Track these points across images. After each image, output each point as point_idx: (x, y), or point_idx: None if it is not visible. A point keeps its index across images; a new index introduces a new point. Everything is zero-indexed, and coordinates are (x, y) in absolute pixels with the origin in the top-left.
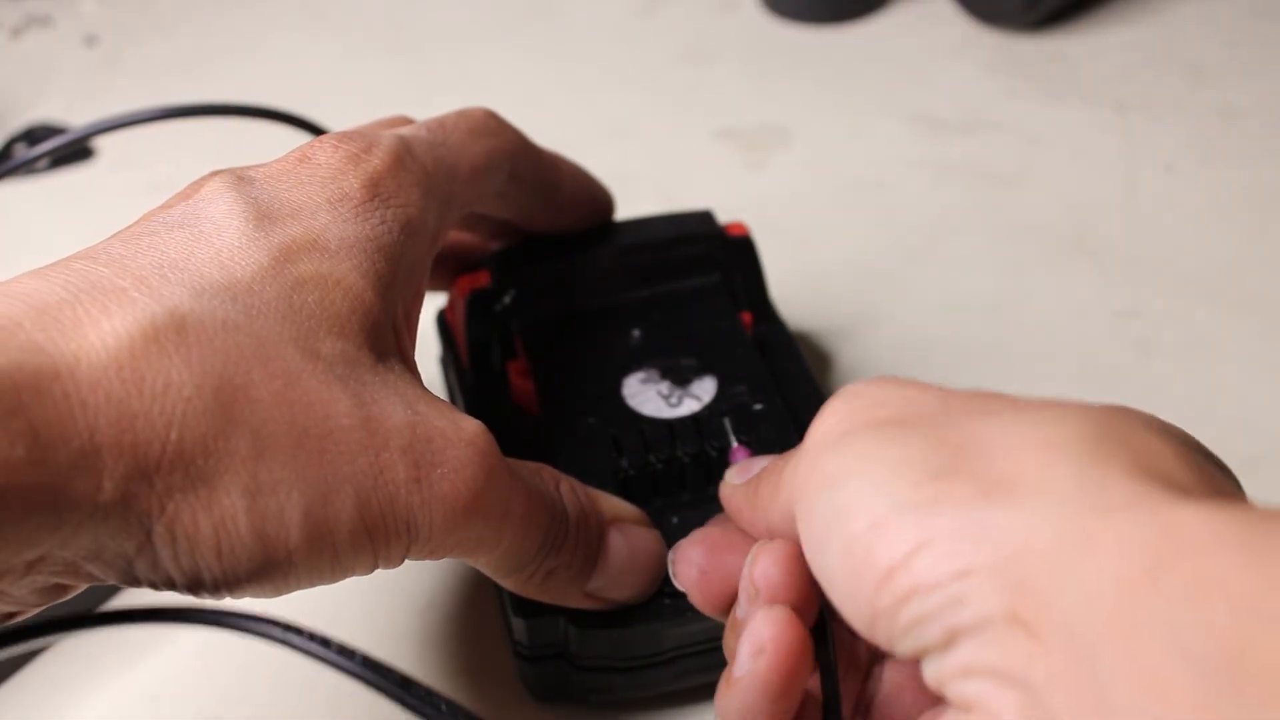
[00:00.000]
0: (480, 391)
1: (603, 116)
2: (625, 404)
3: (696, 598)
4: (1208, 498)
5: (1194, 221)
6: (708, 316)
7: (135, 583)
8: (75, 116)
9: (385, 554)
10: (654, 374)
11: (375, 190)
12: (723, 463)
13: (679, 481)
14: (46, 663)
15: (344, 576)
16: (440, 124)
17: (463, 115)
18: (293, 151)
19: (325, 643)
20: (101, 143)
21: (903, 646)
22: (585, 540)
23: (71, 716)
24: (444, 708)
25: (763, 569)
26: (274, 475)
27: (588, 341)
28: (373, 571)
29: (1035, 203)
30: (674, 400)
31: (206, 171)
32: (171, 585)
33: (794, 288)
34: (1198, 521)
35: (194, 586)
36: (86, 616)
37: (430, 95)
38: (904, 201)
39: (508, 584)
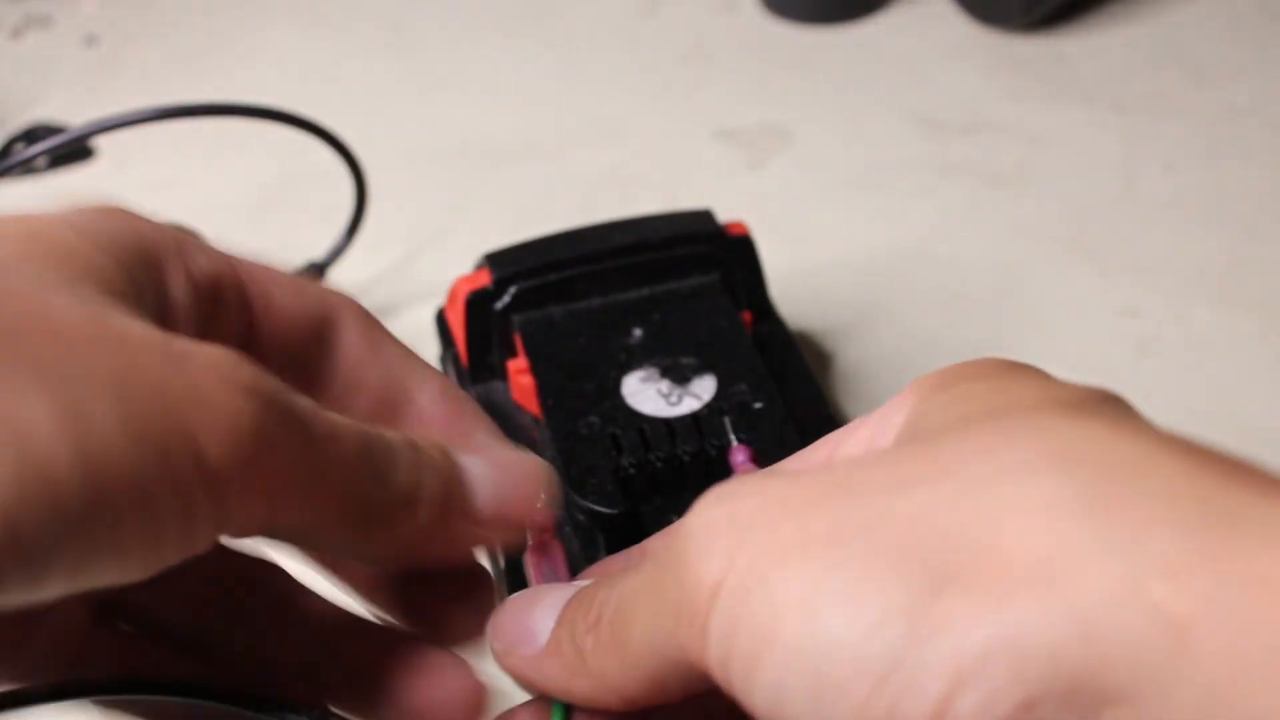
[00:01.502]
0: (480, 391)
1: (603, 116)
2: (625, 403)
3: None
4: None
5: (1194, 221)
6: (708, 316)
7: None
8: (75, 116)
9: (164, 514)
10: (654, 373)
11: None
12: (723, 461)
13: (679, 480)
14: None
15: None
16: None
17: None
18: None
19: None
20: (101, 142)
21: None
22: (426, 464)
23: (71, 717)
24: None
25: None
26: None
27: (588, 341)
28: (178, 550)
29: (1035, 203)
30: (674, 399)
31: (205, 172)
32: None
33: (794, 287)
34: None
35: None
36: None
37: (430, 95)
38: (904, 201)
39: (364, 559)
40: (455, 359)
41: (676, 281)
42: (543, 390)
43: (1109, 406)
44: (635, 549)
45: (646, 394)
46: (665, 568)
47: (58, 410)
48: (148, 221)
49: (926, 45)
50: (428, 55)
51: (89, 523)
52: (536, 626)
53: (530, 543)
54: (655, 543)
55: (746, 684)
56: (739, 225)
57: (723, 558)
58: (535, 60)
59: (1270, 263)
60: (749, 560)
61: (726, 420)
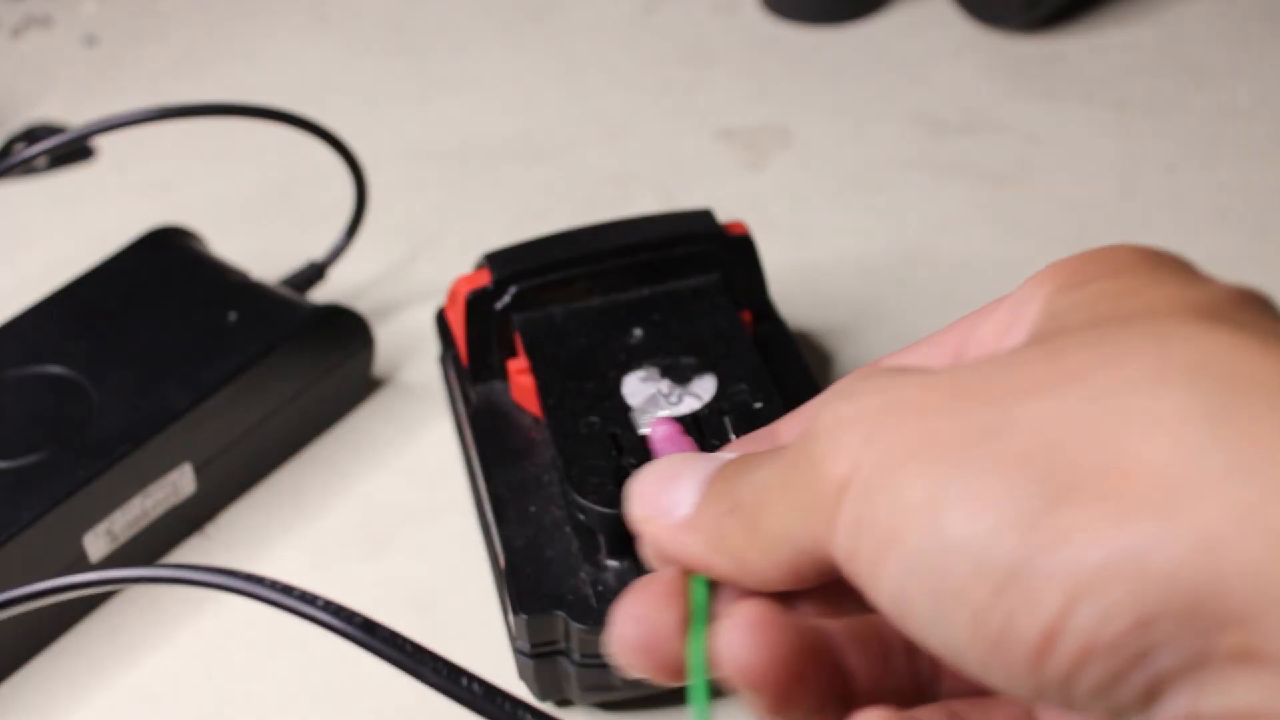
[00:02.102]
0: (480, 391)
1: (603, 116)
2: (625, 402)
3: (644, 665)
4: None
5: (1194, 221)
6: (708, 315)
7: None
8: (75, 116)
9: None
10: (654, 373)
11: None
12: None
13: None
14: (46, 662)
15: None
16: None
17: None
18: None
19: (313, 600)
20: (101, 142)
21: (1090, 711)
22: None
23: (72, 716)
24: (409, 648)
25: (738, 646)
26: None
27: (588, 341)
28: None
29: (1035, 203)
30: (674, 399)
31: (205, 172)
32: None
33: (794, 287)
34: None
35: None
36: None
37: (430, 95)
38: (904, 201)
39: None
40: (455, 359)
41: (676, 281)
42: (543, 390)
43: (1250, 311)
44: (767, 430)
45: (647, 393)
46: (795, 463)
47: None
48: None
49: (926, 45)
50: (428, 55)
51: None
52: (679, 497)
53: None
54: (787, 427)
55: (872, 582)
56: (739, 225)
57: (850, 456)
58: (535, 60)
59: (1270, 263)
60: (875, 460)
61: (726, 420)
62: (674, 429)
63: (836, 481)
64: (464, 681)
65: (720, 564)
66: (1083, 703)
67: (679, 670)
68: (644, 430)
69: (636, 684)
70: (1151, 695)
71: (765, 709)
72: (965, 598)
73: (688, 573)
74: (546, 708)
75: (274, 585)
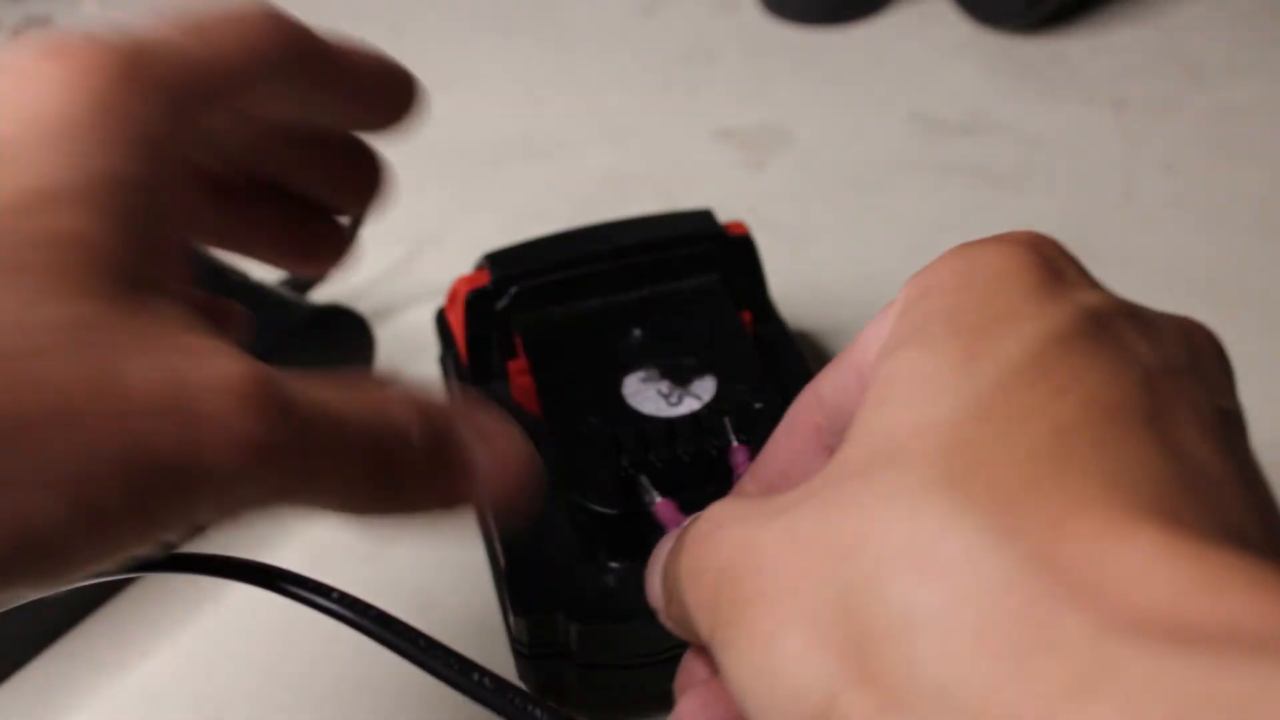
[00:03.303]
0: (480, 391)
1: (603, 116)
2: (625, 403)
3: None
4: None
5: (1194, 221)
6: (708, 316)
7: None
8: None
9: (168, 524)
10: (654, 373)
11: (106, 112)
12: (723, 461)
13: (679, 481)
14: (47, 662)
15: (133, 554)
16: (199, 27)
17: (229, 17)
18: None
19: (326, 591)
20: None
21: None
22: (440, 453)
23: (72, 716)
24: (422, 643)
25: None
26: (10, 469)
27: (588, 341)
28: (167, 542)
29: (1035, 203)
30: (674, 399)
31: None
32: None
33: (794, 288)
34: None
35: None
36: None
37: (430, 95)
38: (904, 201)
39: (372, 520)
40: (455, 359)
41: (676, 282)
42: (543, 390)
43: (1081, 348)
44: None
45: (646, 394)
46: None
47: (67, 507)
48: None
49: (926, 45)
50: (428, 55)
51: (83, 569)
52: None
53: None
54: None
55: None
56: (739, 225)
57: (710, 606)
58: (535, 60)
59: (1270, 263)
60: (729, 606)
61: (726, 420)
62: (674, 516)
63: (704, 630)
64: (475, 676)
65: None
66: None
67: None
68: (651, 506)
69: (636, 685)
70: None
71: None
72: None
73: None
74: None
75: (286, 575)
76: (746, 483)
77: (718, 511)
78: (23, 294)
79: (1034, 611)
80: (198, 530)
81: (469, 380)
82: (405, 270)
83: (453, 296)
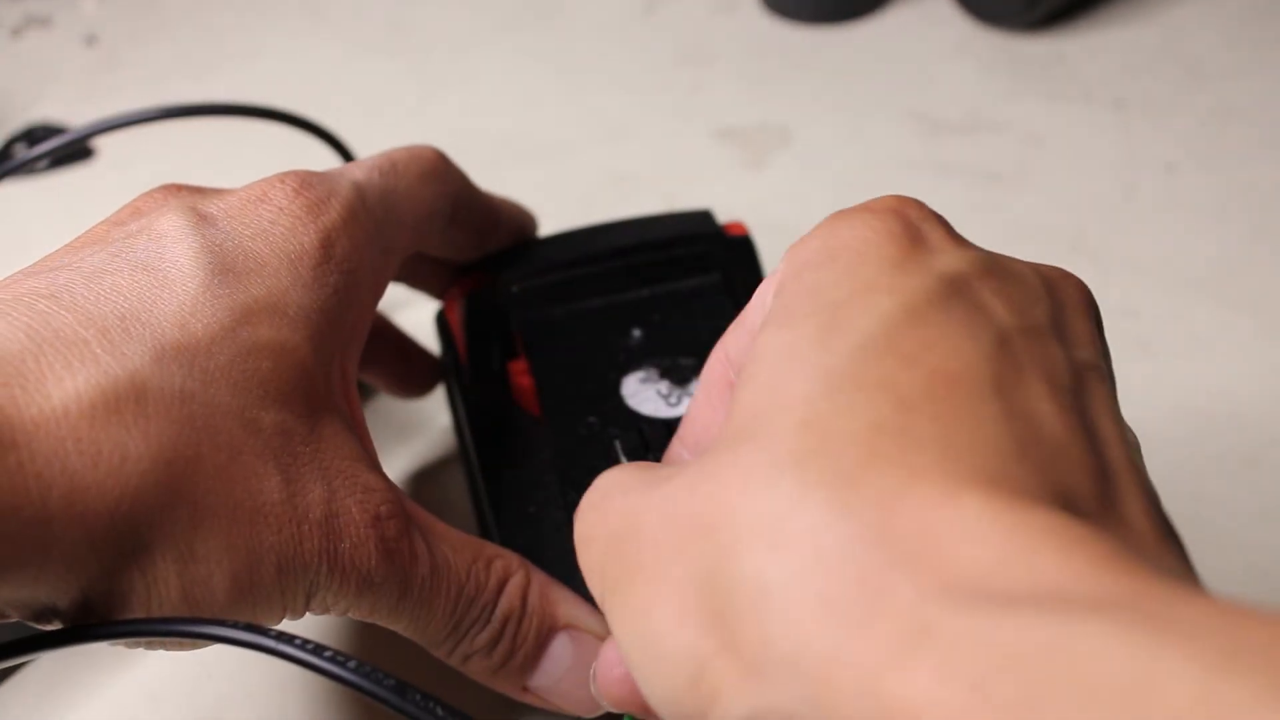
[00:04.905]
0: (480, 391)
1: (603, 116)
2: (625, 403)
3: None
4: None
5: (1194, 221)
6: (708, 316)
7: (50, 623)
8: (75, 116)
9: (292, 610)
10: (654, 373)
11: (329, 250)
12: None
13: None
14: (46, 662)
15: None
16: (392, 166)
17: (414, 157)
18: (251, 187)
19: (319, 650)
20: (101, 143)
21: None
22: (514, 636)
23: (72, 716)
24: (440, 713)
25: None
26: (207, 545)
27: (588, 341)
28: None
29: (1035, 203)
30: (673, 400)
31: (205, 172)
32: None
33: None
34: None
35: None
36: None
37: (430, 95)
38: None
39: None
40: (455, 359)
41: (676, 282)
42: (543, 390)
43: (936, 317)
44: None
45: (646, 395)
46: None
47: (230, 577)
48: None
49: (926, 45)
50: (428, 55)
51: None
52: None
53: None
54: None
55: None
56: (739, 225)
57: (599, 573)
58: (535, 60)
59: (1270, 263)
60: (614, 575)
61: None
62: None
63: (596, 596)
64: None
65: (634, 708)
66: None
67: None
68: None
69: None
70: None
71: None
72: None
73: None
74: None
75: (304, 645)
76: (675, 444)
77: (606, 481)
78: (250, 395)
79: (869, 581)
80: (295, 616)
81: (469, 380)
82: None
83: (452, 297)
